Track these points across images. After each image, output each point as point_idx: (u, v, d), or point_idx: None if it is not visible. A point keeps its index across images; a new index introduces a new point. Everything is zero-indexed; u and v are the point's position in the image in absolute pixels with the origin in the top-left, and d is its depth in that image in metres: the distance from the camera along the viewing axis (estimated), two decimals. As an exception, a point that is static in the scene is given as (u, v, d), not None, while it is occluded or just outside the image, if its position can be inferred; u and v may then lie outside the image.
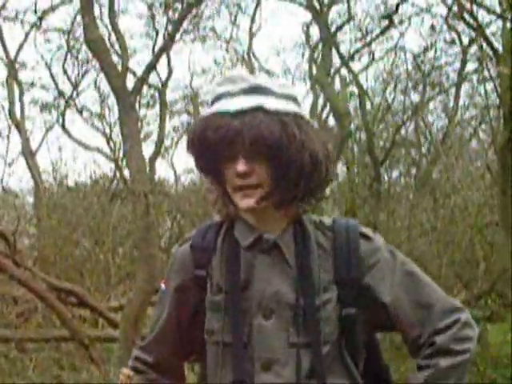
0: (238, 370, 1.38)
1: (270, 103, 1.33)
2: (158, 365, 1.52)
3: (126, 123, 6.89)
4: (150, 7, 10.41)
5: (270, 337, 1.39)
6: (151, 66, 9.08)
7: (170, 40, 9.88)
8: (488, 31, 9.25)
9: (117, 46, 9.45)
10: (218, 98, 1.39)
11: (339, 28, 10.79)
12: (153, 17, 11.29)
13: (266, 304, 1.39)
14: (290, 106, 1.38)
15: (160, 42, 10.86)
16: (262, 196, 1.36)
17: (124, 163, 11.47)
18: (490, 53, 9.14)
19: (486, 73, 11.19)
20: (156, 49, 10.62)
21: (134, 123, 7.22)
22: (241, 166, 1.33)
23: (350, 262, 1.42)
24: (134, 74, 9.73)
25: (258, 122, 1.30)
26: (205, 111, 1.43)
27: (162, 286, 1.55)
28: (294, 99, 1.43)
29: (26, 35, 12.07)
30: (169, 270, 1.53)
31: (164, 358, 1.53)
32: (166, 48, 10.10)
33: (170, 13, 9.64)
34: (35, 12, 11.06)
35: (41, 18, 11.03)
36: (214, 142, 1.32)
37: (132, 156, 6.98)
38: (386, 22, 10.45)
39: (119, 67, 7.91)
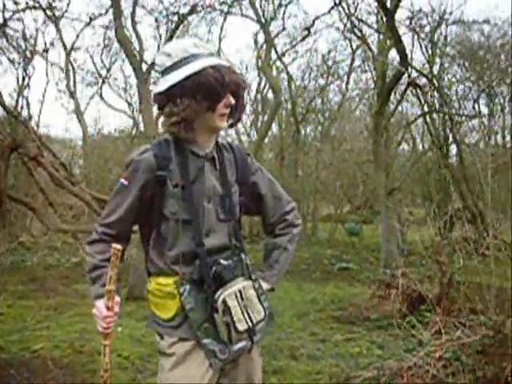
0: (196, 236, 1.75)
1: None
2: (117, 235, 1.81)
3: (142, 92, 8.79)
4: (157, 20, 12.68)
5: (209, 214, 1.77)
6: (157, 56, 11.82)
7: (168, 40, 10.79)
8: (369, 40, 11.62)
9: (136, 44, 11.19)
10: (211, 54, 1.72)
11: (276, 35, 13.25)
12: (158, 26, 13.59)
13: (208, 193, 1.77)
14: None
15: (163, 41, 12.75)
16: (228, 121, 1.81)
17: (139, 118, 14.19)
18: (370, 54, 11.70)
19: (366, 67, 14.16)
20: (160, 46, 12.49)
21: (147, 92, 8.68)
22: (232, 100, 1.73)
23: (244, 169, 1.87)
24: (146, 62, 10.85)
25: (239, 76, 1.77)
26: (211, 61, 1.70)
27: (123, 181, 1.77)
28: None
29: (79, 33, 15.61)
30: (133, 171, 1.74)
31: (122, 231, 1.82)
32: (166, 45, 12.68)
33: (169, 24, 11.95)
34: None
35: (91, 20, 14.17)
36: (226, 84, 1.69)
37: (145, 113, 8.70)
38: (305, 32, 12.91)
39: (138, 56, 9.49)
